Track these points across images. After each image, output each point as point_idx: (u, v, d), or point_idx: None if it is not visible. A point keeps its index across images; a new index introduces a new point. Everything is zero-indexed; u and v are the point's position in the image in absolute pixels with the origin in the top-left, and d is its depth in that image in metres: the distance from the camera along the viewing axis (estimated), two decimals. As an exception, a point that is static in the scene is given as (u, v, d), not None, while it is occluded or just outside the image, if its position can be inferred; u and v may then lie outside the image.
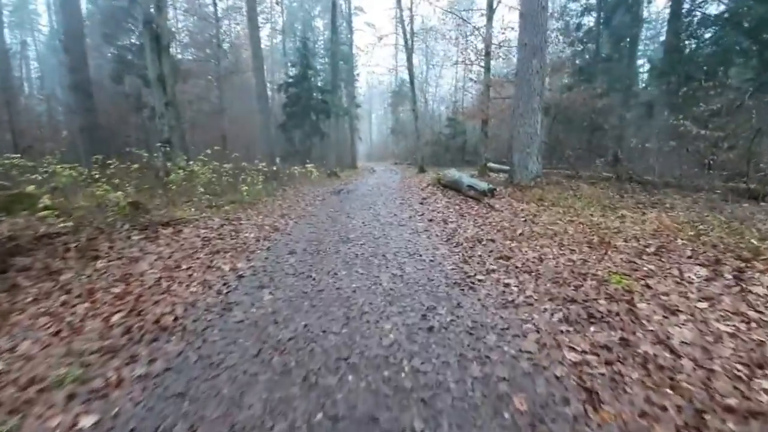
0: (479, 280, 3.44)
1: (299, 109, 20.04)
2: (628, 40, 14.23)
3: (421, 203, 8.03)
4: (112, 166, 8.46)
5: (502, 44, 11.53)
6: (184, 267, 3.96)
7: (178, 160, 9.80)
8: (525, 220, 5.32)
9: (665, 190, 7.97)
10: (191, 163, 9.71)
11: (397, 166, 32.29)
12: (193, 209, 7.02)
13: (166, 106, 10.41)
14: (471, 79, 18.15)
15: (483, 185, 7.59)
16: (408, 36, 19.26)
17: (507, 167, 19.45)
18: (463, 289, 3.26)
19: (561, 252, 3.95)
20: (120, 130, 17.82)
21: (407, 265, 3.96)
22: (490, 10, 11.91)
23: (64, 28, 11.21)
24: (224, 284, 3.55)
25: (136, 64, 19.20)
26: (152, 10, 10.05)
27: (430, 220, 6.12)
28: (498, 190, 7.65)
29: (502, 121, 20.82)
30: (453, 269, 3.78)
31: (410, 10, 18.86)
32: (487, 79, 12.22)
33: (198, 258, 4.26)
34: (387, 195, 10.29)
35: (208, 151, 10.75)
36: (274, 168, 13.02)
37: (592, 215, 5.44)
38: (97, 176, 8.54)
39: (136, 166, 9.40)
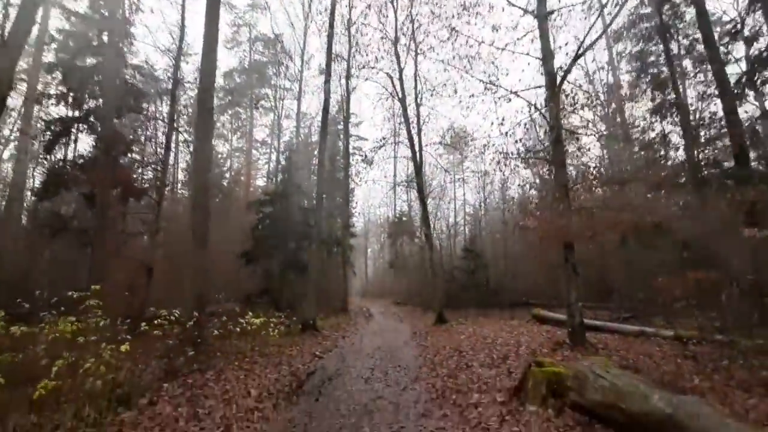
0: None
1: (274, 233, 14.96)
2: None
3: None
4: None
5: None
6: None
7: None
8: None
9: None
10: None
11: (398, 307, 26.06)
12: None
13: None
14: (522, 185, 13.72)
15: None
16: (417, 148, 15.60)
17: (564, 316, 13.41)
18: None
19: None
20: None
21: None
22: (551, 80, 7.74)
23: None
24: None
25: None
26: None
27: None
28: None
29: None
30: None
31: (418, 118, 15.67)
32: (563, 178, 7.27)
33: None
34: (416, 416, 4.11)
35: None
36: (192, 323, 7.00)
37: None
38: None
39: None
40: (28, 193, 17.06)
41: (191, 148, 13.49)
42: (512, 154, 8.36)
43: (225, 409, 4.33)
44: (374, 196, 50.12)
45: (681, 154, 11.55)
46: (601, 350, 6.74)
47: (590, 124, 8.11)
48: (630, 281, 14.92)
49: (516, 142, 8.45)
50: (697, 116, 10.92)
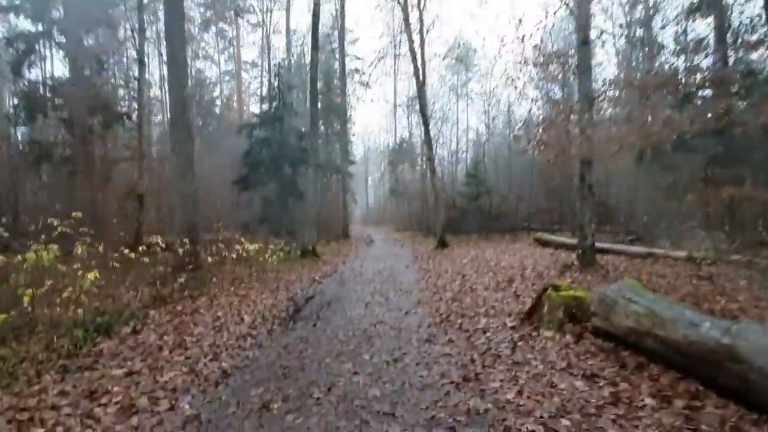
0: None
1: (268, 158, 14.23)
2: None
3: None
4: None
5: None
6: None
7: None
8: None
9: None
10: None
11: (399, 233, 26.22)
12: None
13: None
14: (535, 100, 12.59)
15: None
16: (419, 63, 14.17)
17: (566, 239, 13.13)
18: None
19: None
20: None
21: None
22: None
23: None
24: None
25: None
26: None
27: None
28: None
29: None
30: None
31: (421, 26, 14.01)
32: (588, 86, 6.37)
33: None
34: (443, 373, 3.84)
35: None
36: (184, 250, 6.66)
37: None
38: None
39: None
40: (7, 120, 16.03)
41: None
42: (530, 59, 7.30)
43: (215, 336, 4.06)
44: (374, 121, 48.01)
45: (707, 62, 10.34)
46: (611, 272, 6.45)
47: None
48: (634, 204, 14.56)
49: (535, 46, 7.35)
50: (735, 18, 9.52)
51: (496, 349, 3.34)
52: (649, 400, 2.28)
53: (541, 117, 9.84)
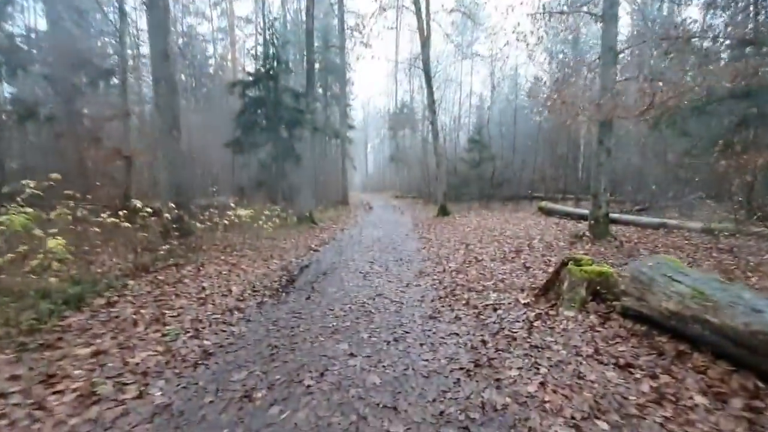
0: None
1: (262, 119, 13.50)
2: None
3: None
4: None
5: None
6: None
7: None
8: None
9: None
10: None
11: (398, 200, 25.76)
12: None
13: None
14: (555, 55, 11.61)
15: None
16: (424, 15, 13.17)
17: (572, 209, 12.74)
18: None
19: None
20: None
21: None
22: None
23: None
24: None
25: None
26: None
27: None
28: None
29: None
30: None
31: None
32: (612, 38, 5.70)
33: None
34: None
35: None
36: (171, 215, 6.21)
37: None
38: None
39: None
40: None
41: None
42: (548, 7, 6.59)
43: (198, 310, 3.70)
44: (374, 86, 46.06)
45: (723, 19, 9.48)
46: (625, 243, 6.06)
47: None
48: (642, 172, 14.05)
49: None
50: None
51: (509, 330, 2.98)
52: (699, 398, 1.92)
53: (553, 77, 9.15)
